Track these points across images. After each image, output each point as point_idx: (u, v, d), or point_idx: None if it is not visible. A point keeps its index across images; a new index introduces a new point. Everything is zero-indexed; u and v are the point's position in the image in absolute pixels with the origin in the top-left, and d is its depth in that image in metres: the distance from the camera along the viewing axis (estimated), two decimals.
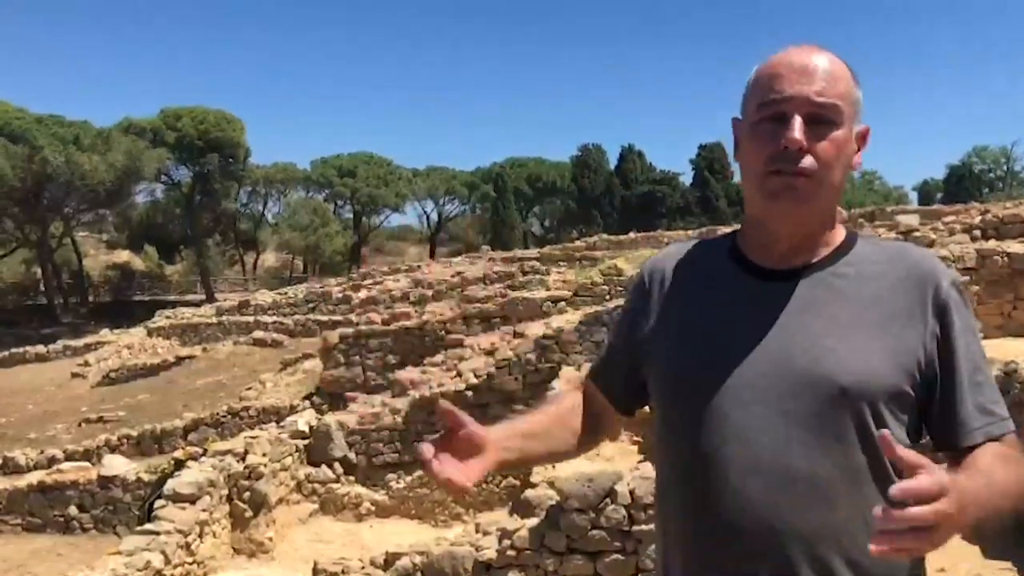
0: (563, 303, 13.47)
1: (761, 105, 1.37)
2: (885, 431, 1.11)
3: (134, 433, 12.95)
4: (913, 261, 1.41)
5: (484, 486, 9.84)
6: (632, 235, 27.33)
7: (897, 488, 1.04)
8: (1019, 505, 1.26)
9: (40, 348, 23.30)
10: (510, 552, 5.63)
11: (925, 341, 1.35)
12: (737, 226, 1.59)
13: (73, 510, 9.88)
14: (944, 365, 1.35)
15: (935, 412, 1.36)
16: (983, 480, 1.21)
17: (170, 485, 7.88)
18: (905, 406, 1.34)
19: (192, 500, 7.69)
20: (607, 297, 13.21)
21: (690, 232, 26.30)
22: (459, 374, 10.69)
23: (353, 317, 18.39)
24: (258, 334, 20.16)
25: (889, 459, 1.12)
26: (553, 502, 5.72)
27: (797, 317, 1.37)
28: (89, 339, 23.71)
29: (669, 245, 1.70)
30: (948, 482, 1.06)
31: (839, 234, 1.45)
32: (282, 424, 10.17)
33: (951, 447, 1.36)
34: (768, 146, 1.34)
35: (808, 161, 1.32)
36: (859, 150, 1.42)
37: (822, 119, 1.33)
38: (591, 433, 1.64)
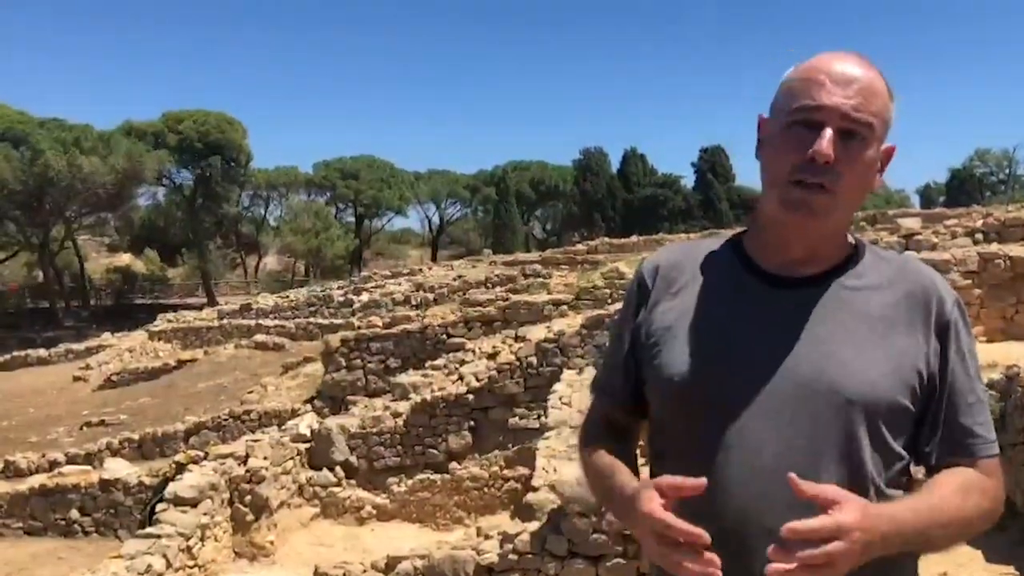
0: (565, 307, 13.44)
1: (795, 110, 1.34)
2: (791, 474, 1.17)
3: (135, 436, 12.93)
4: (918, 277, 1.42)
5: (486, 490, 9.84)
6: (634, 238, 27.30)
7: (786, 528, 1.11)
8: (966, 533, 1.33)
9: (42, 351, 23.26)
10: (511, 556, 5.62)
11: (928, 358, 1.37)
12: (739, 228, 1.58)
13: (74, 513, 9.88)
14: (940, 384, 1.37)
15: (925, 428, 1.39)
16: (926, 510, 1.26)
17: (171, 488, 7.88)
18: (905, 420, 1.36)
19: (193, 504, 7.69)
20: (609, 301, 13.17)
21: (692, 235, 26.26)
22: (460, 377, 10.66)
23: (354, 320, 18.37)
24: (259, 337, 20.12)
25: (804, 499, 1.17)
26: (555, 506, 5.72)
27: (804, 326, 1.37)
28: (91, 342, 23.70)
29: (668, 245, 1.69)
30: (851, 522, 1.13)
31: (847, 245, 1.45)
32: (283, 428, 10.17)
33: (930, 463, 1.39)
34: (795, 153, 1.32)
35: (831, 177, 1.30)
36: (882, 169, 1.41)
37: (854, 135, 1.31)
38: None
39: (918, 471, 1.42)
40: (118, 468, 10.35)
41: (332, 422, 10.16)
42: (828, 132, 1.29)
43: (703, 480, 1.22)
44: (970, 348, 1.41)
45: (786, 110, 1.36)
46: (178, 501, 7.66)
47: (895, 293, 1.40)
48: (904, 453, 1.37)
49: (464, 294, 18.34)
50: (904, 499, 1.31)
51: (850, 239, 1.46)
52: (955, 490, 1.31)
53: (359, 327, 15.56)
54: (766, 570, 1.12)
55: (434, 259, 48.15)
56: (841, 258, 1.43)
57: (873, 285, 1.40)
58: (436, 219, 60.83)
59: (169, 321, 24.47)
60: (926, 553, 1.39)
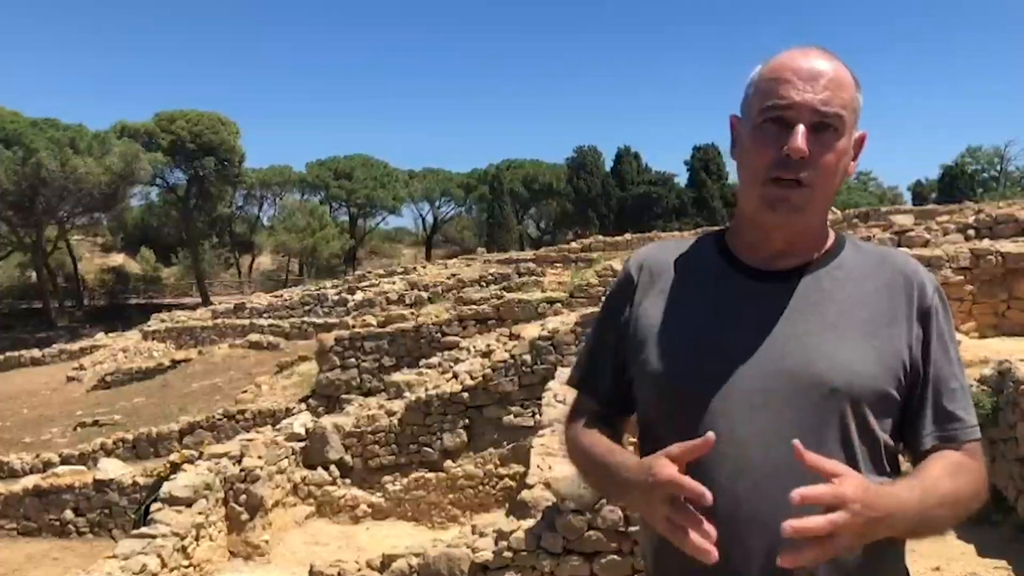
0: (559, 304, 13.46)
1: (767, 108, 1.36)
2: (795, 440, 1.18)
3: (130, 436, 12.91)
4: (898, 266, 1.44)
5: (480, 488, 9.85)
6: (628, 236, 27.28)
7: (796, 493, 1.13)
8: (959, 513, 1.33)
9: (35, 352, 23.20)
10: (506, 553, 5.62)
11: (910, 345, 1.38)
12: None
13: (69, 514, 9.86)
14: (923, 371, 1.39)
15: (909, 415, 1.40)
16: (919, 490, 1.27)
17: (166, 488, 7.87)
18: (890, 408, 1.37)
19: (188, 503, 7.69)
20: (603, 298, 13.19)
21: (685, 233, 26.23)
22: (455, 376, 10.66)
23: (349, 319, 18.34)
24: (253, 337, 20.10)
25: (807, 466, 1.18)
26: (550, 503, 5.72)
27: (788, 319, 1.38)
28: (84, 343, 23.65)
29: (652, 242, 1.69)
30: (851, 494, 1.14)
31: (828, 237, 1.47)
32: (278, 427, 10.16)
33: (916, 449, 1.40)
34: (770, 151, 1.34)
35: (808, 171, 1.33)
36: (855, 156, 1.43)
37: (825, 128, 1.34)
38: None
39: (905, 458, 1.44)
40: (112, 468, 10.33)
41: (327, 421, 10.16)
42: (800, 128, 1.32)
43: (711, 435, 1.22)
44: (951, 334, 1.43)
45: (757, 109, 1.38)
46: (173, 501, 7.65)
47: (876, 282, 1.41)
48: (890, 440, 1.39)
49: (458, 292, 18.32)
50: (900, 481, 1.32)
51: (830, 231, 1.48)
52: (945, 471, 1.33)
53: (353, 326, 15.53)
54: (778, 561, 1.14)
55: (428, 258, 48.08)
56: (822, 250, 1.45)
57: (854, 275, 1.42)
58: (430, 218, 60.86)
59: (163, 321, 24.42)
60: (925, 536, 1.39)
